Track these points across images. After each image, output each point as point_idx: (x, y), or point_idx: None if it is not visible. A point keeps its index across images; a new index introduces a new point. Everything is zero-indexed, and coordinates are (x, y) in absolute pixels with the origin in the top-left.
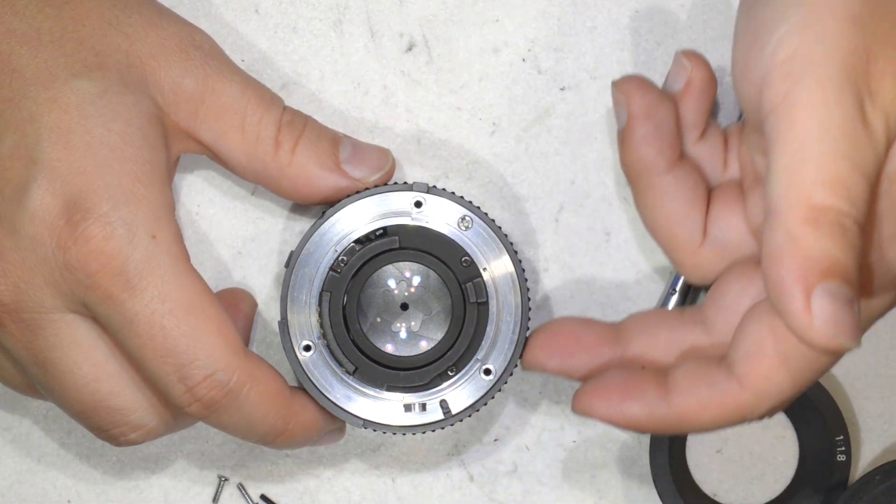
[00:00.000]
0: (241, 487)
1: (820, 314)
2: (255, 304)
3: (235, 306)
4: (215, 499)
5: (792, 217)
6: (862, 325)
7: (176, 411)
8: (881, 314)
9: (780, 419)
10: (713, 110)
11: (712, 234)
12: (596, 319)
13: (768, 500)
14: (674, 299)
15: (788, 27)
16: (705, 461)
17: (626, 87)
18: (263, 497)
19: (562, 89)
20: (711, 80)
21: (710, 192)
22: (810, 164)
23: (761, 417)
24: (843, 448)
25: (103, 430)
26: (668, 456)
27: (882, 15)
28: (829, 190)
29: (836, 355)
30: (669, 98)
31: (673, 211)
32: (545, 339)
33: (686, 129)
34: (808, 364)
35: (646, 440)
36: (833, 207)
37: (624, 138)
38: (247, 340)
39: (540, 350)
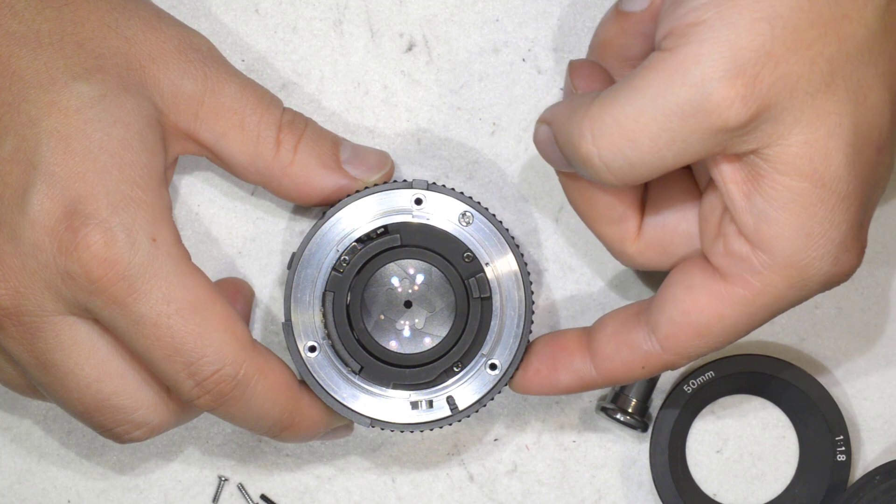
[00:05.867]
0: (241, 487)
1: None
2: (252, 294)
3: (234, 297)
4: (215, 499)
5: None
6: None
7: (184, 404)
8: None
9: (781, 419)
10: None
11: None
12: (568, 329)
13: (768, 500)
14: None
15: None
16: (705, 461)
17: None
18: (263, 497)
19: (562, 89)
20: None
21: None
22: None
23: (683, 366)
24: (843, 448)
25: (107, 430)
26: (668, 456)
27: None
28: None
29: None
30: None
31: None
32: (527, 365)
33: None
34: (726, 332)
35: (646, 440)
36: None
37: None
38: None
39: (524, 378)
